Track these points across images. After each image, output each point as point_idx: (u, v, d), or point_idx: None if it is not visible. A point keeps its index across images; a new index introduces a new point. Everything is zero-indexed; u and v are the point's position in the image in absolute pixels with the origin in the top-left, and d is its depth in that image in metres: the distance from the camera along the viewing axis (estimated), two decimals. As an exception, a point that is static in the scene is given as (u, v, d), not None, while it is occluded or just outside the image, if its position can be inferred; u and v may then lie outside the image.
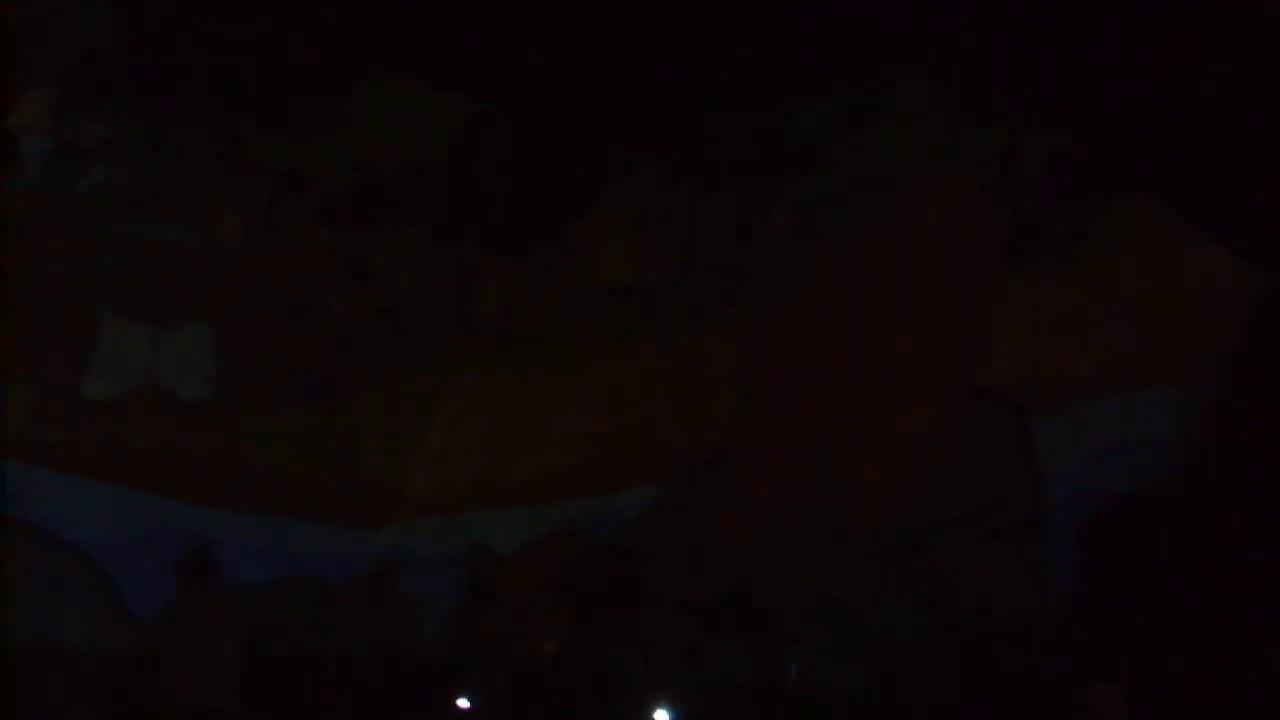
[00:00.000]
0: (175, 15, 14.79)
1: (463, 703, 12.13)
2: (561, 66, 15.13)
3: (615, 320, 15.08)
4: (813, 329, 13.03)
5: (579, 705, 11.50)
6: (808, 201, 13.70)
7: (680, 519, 13.10)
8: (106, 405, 14.73)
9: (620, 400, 14.53)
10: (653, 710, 10.96)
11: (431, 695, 12.34)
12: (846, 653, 11.07)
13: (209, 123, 15.36)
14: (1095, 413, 10.47)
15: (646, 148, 15.37)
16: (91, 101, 14.79)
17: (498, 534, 14.74)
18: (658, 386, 14.27)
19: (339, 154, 15.94)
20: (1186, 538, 9.27)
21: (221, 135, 15.45)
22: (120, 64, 14.76)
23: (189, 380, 15.26)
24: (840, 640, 11.18)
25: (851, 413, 12.19)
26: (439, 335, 16.44)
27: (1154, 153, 10.39)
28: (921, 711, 10.15)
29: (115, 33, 14.73)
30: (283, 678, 13.29)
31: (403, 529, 15.86)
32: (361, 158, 15.95)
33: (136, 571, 14.43)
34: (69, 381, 14.63)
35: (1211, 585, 9.01)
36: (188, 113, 15.22)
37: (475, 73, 15.67)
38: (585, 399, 14.88)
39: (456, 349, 16.45)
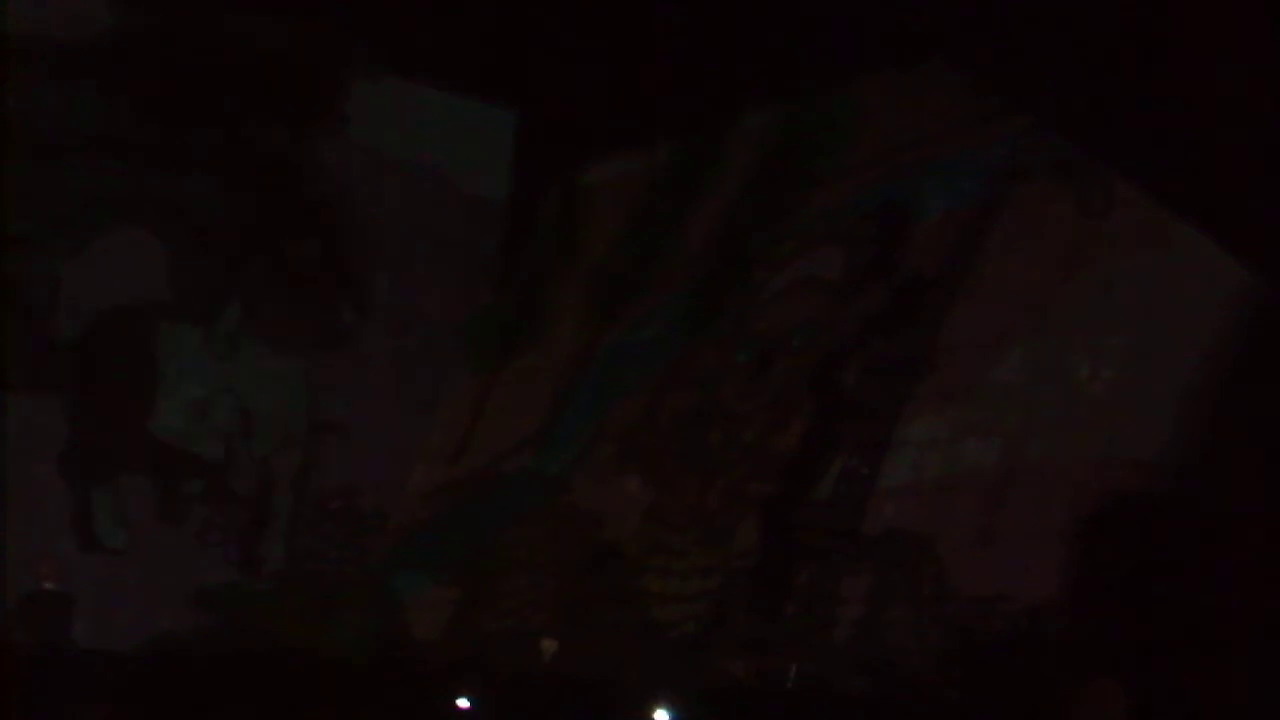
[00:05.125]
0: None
1: (463, 703, 12.10)
2: (563, 63, 15.13)
3: (615, 319, 15.09)
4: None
5: (578, 705, 11.47)
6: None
7: (680, 517, 13.09)
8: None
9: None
10: (653, 710, 10.93)
11: (431, 695, 12.31)
12: (847, 653, 11.05)
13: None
14: (1094, 412, 10.46)
15: (646, 145, 15.39)
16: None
17: (498, 532, 14.74)
18: (656, 382, 14.28)
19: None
20: (1186, 536, 9.26)
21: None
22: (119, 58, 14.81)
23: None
24: (840, 640, 11.17)
25: (850, 413, 12.21)
26: (439, 335, 16.44)
27: (1154, 152, 10.38)
28: (922, 712, 10.13)
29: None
30: (282, 677, 13.27)
31: (404, 527, 15.86)
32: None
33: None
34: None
35: (1212, 584, 9.00)
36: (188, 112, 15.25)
37: (475, 72, 15.68)
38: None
39: (456, 349, 16.46)
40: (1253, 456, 9.16)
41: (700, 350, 14.01)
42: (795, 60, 13.36)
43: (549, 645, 12.79)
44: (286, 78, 15.66)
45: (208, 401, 15.28)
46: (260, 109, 15.61)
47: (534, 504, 14.53)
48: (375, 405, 16.04)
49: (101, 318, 14.97)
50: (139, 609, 14.44)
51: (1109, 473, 10.02)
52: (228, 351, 15.45)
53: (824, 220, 13.52)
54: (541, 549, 14.06)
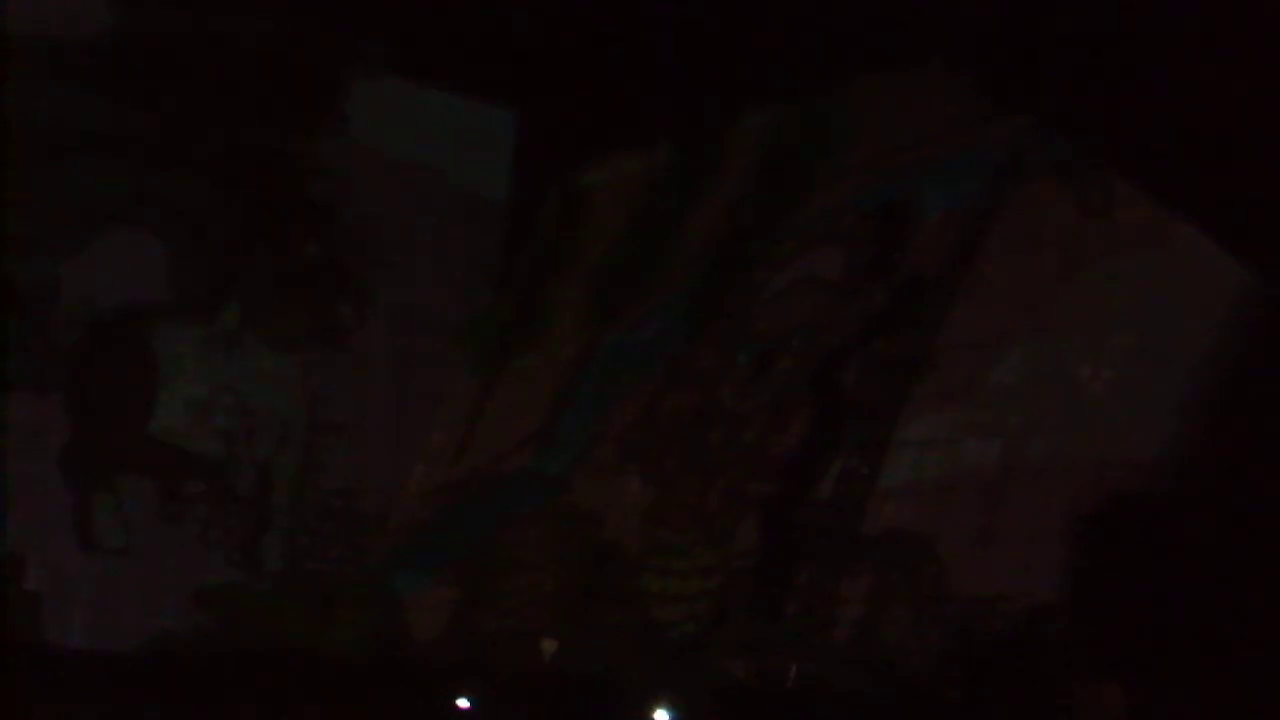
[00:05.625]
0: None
1: (463, 703, 12.12)
2: (563, 63, 15.13)
3: (615, 319, 15.09)
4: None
5: (578, 705, 11.49)
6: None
7: (680, 517, 13.10)
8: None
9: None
10: (653, 710, 10.95)
11: (431, 695, 12.33)
12: (847, 653, 11.06)
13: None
14: (1094, 412, 10.47)
15: (646, 145, 15.39)
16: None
17: (498, 532, 14.74)
18: (656, 382, 14.28)
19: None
20: (1187, 537, 9.26)
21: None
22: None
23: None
24: (840, 640, 11.18)
25: (850, 413, 12.22)
26: (439, 335, 16.44)
27: (1155, 153, 10.38)
28: (922, 712, 10.14)
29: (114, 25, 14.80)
30: (283, 677, 13.29)
31: (404, 527, 15.86)
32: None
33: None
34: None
35: (1212, 584, 9.00)
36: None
37: (475, 72, 15.68)
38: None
39: (456, 349, 16.46)
40: (1253, 456, 9.16)
41: (700, 350, 14.01)
42: (795, 60, 13.36)
43: (549, 645, 12.80)
44: (286, 78, 15.66)
45: (208, 401, 15.28)
46: (260, 109, 15.61)
47: (534, 504, 14.53)
48: (375, 405, 16.04)
49: (101, 318, 14.96)
50: (139, 609, 14.44)
51: (1109, 473, 10.02)
52: (228, 351, 15.45)
53: (824, 220, 13.52)
54: (541, 549, 14.06)
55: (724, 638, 11.99)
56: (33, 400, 14.48)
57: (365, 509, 15.77)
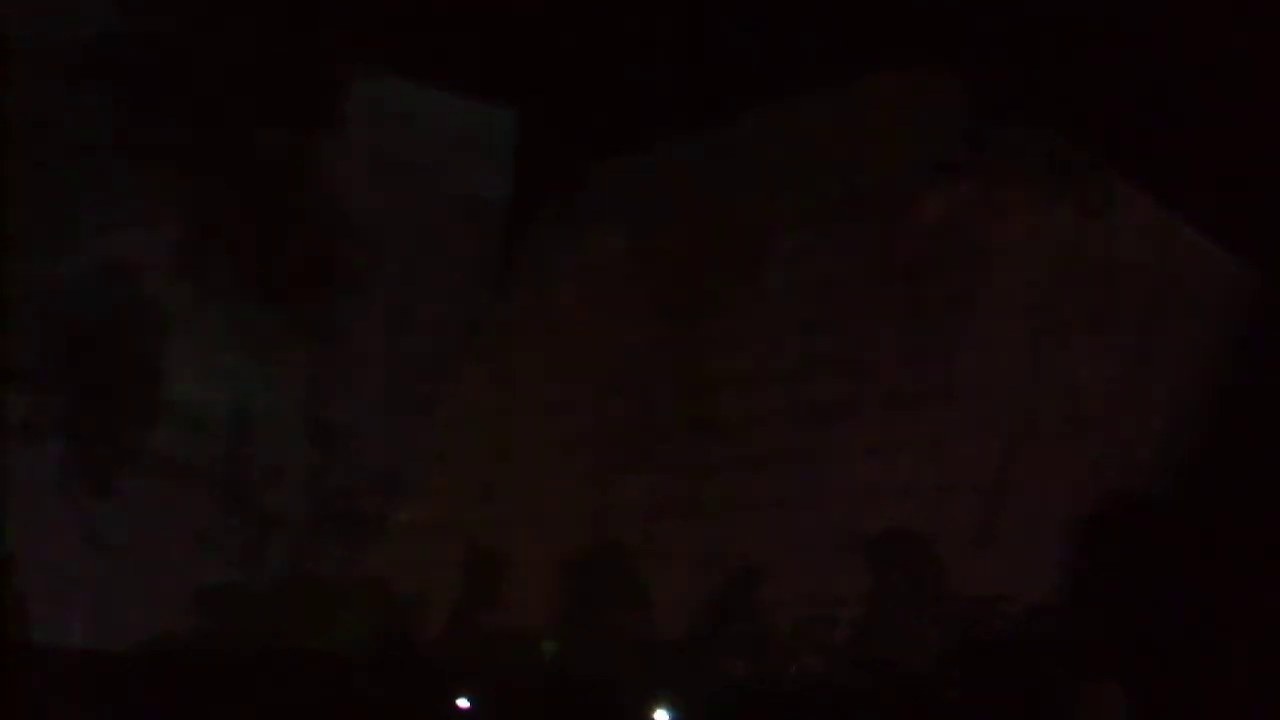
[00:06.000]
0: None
1: (463, 703, 12.12)
2: (563, 63, 15.12)
3: (616, 319, 15.08)
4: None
5: (578, 705, 11.49)
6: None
7: (681, 518, 13.09)
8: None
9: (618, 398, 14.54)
10: (653, 710, 10.95)
11: (431, 695, 12.33)
12: (847, 653, 11.06)
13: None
14: (1095, 412, 10.46)
15: (646, 145, 15.38)
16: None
17: (498, 532, 14.74)
18: (656, 384, 14.27)
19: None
20: (1187, 537, 9.26)
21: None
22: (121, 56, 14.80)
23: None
24: (841, 641, 11.18)
25: (849, 413, 12.21)
26: (439, 335, 16.43)
27: (1155, 153, 10.38)
28: (922, 712, 10.13)
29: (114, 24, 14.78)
30: (284, 677, 13.28)
31: (403, 528, 15.85)
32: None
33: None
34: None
35: (1211, 584, 9.00)
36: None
37: (475, 72, 15.68)
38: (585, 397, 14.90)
39: (458, 349, 16.45)
40: (1252, 456, 9.16)
41: (700, 350, 14.01)
42: (795, 60, 13.35)
43: (549, 645, 12.80)
44: (286, 78, 15.64)
45: (209, 402, 15.26)
46: (260, 109, 15.59)
47: (533, 503, 14.53)
48: (375, 405, 16.03)
49: (101, 317, 14.95)
50: (139, 609, 14.43)
51: (1109, 473, 10.02)
52: (229, 352, 15.43)
53: (824, 218, 13.52)
54: (541, 549, 14.06)
55: (724, 638, 12.00)
56: (33, 400, 14.47)
57: (365, 509, 15.76)
